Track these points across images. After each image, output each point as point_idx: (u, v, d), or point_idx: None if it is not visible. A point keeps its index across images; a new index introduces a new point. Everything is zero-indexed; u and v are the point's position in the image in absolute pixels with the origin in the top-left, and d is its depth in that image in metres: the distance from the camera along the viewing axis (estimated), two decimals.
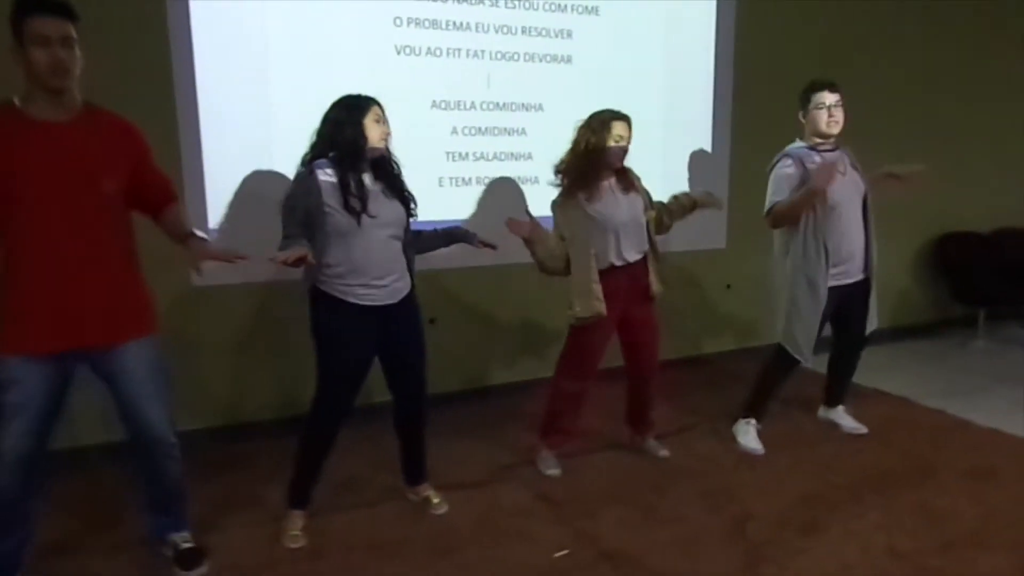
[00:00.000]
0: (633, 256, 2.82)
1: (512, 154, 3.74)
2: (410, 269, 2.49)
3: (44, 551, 2.32)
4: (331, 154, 2.31)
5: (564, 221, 2.80)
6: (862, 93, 4.55)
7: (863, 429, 3.35)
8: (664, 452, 3.13)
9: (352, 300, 2.34)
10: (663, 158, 4.09)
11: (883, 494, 2.78)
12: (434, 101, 3.55)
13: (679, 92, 4.11)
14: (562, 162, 2.83)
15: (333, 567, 2.34)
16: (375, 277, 2.34)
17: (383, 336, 2.42)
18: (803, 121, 3.03)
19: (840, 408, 3.44)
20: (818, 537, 2.49)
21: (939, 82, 4.93)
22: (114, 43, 2.84)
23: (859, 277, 3.06)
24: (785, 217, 2.91)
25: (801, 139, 3.05)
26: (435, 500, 2.70)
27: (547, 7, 3.72)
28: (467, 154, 3.65)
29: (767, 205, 2.96)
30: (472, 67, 3.60)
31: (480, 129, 3.66)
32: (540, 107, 3.77)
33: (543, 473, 2.95)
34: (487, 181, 3.68)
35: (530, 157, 3.76)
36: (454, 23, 3.53)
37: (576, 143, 2.79)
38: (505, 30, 3.64)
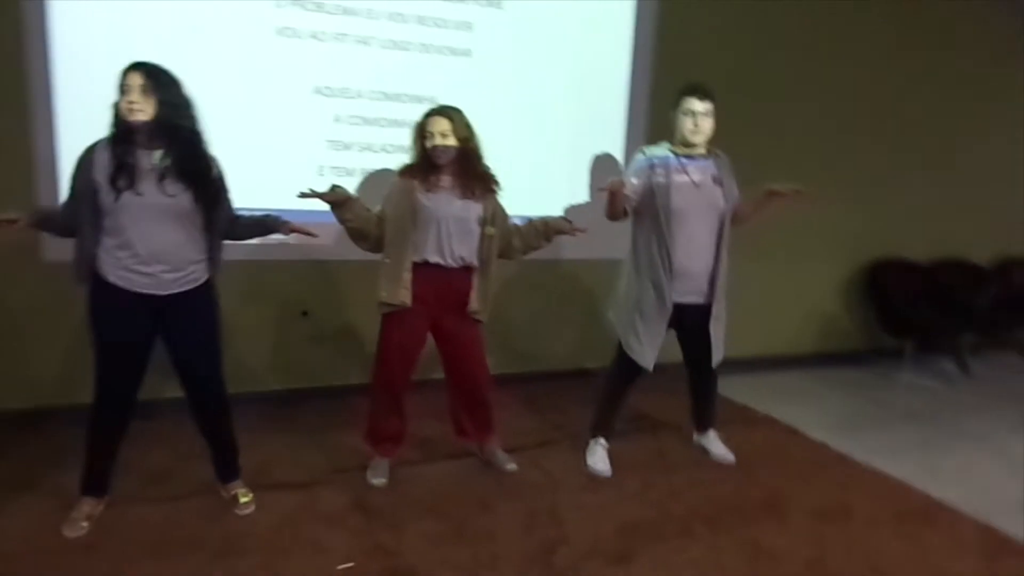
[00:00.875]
0: (450, 261, 2.70)
1: (401, 147, 3.60)
2: (211, 258, 2.37)
3: None
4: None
5: (389, 199, 2.69)
6: (793, 102, 4.42)
7: (730, 458, 3.20)
8: (511, 466, 3.00)
9: (118, 283, 2.23)
10: (571, 158, 3.96)
11: (716, 528, 2.63)
12: (316, 87, 3.43)
13: (589, 91, 3.96)
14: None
15: (102, 561, 2.23)
16: (141, 262, 2.23)
17: (160, 326, 2.32)
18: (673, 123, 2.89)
19: (711, 433, 3.28)
20: (624, 568, 2.35)
21: (884, 98, 4.74)
22: None
23: (699, 300, 2.91)
24: (614, 203, 2.78)
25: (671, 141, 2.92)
26: (243, 499, 2.58)
27: None
28: (351, 144, 3.53)
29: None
30: (360, 54, 3.48)
31: (366, 119, 3.54)
32: (433, 100, 3.62)
33: (368, 481, 2.82)
34: (372, 173, 3.56)
35: None
36: (342, 7, 3.41)
37: (413, 138, 2.68)
38: (398, 18, 3.52)
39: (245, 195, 2.91)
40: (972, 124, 5.05)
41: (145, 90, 2.14)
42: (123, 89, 2.14)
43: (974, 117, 5.05)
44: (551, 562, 2.36)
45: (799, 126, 4.48)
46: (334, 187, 2.60)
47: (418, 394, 2.92)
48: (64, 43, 3.01)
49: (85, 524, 2.39)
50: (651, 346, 2.89)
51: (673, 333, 3.00)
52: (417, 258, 2.65)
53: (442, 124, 2.63)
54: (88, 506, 2.43)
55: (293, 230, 2.54)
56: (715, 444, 3.26)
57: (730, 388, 3.90)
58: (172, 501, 2.60)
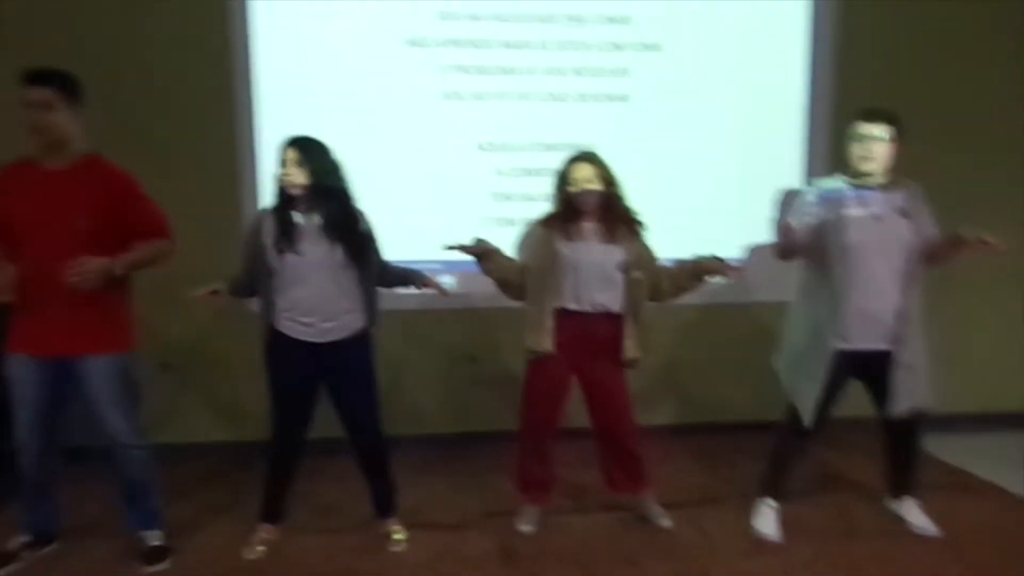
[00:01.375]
0: (588, 307, 2.64)
1: None
2: (366, 307, 2.56)
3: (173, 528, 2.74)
4: None
5: (528, 248, 2.71)
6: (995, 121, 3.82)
7: (931, 530, 2.74)
8: (665, 522, 2.83)
9: (285, 332, 2.48)
10: (740, 197, 3.75)
11: None
12: (480, 144, 3.62)
13: (758, 127, 3.75)
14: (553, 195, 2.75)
15: None
16: (301, 313, 2.46)
17: (321, 371, 2.53)
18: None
19: (909, 500, 2.84)
20: None
21: None
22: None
23: (883, 346, 2.55)
24: (780, 240, 2.56)
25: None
26: (395, 536, 2.71)
27: (601, 47, 3.63)
28: (512, 195, 3.66)
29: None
30: (520, 109, 3.62)
31: (528, 170, 3.65)
32: (593, 147, 3.66)
33: (517, 528, 2.81)
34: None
35: None
36: (502, 68, 3.59)
37: (555, 184, 2.70)
38: (556, 72, 3.62)
39: (412, 248, 3.16)
40: None
41: (298, 162, 2.41)
42: (282, 163, 2.43)
43: None
44: None
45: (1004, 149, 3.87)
46: (477, 240, 2.70)
47: (575, 442, 2.87)
48: (266, 112, 3.49)
49: (261, 548, 2.65)
50: (808, 404, 2.60)
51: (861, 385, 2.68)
52: (557, 305, 2.64)
53: (585, 170, 2.63)
54: (265, 532, 2.69)
55: (425, 284, 2.67)
56: (913, 512, 2.82)
57: (946, 449, 3.40)
58: (334, 533, 2.79)
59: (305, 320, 2.47)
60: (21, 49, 3.20)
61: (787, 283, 2.89)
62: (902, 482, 2.85)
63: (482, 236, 2.73)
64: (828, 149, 3.71)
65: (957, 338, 3.82)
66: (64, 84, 2.32)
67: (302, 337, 2.48)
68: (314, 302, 2.45)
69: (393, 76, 3.54)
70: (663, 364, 3.82)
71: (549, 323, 2.64)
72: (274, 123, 3.44)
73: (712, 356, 3.88)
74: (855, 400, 2.72)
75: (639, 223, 2.72)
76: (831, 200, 2.56)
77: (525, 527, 2.81)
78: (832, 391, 2.60)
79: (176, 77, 3.42)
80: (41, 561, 2.57)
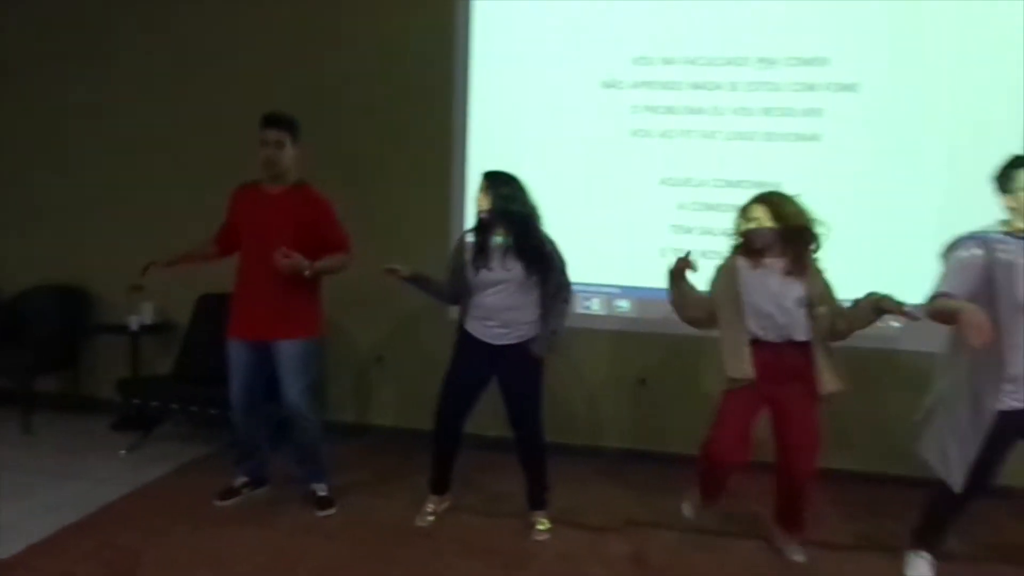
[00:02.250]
0: (773, 336, 2.72)
1: None
2: (545, 318, 2.90)
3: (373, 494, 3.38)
4: None
5: (718, 279, 2.84)
6: None
7: None
8: (799, 557, 2.83)
9: (471, 332, 2.93)
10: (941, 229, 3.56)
11: None
12: (663, 178, 3.85)
13: (963, 169, 3.52)
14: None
15: (431, 546, 2.89)
16: (483, 317, 2.89)
17: (494, 369, 2.93)
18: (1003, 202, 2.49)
19: None
20: None
21: None
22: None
23: None
24: (940, 317, 2.43)
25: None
26: (539, 527, 3.02)
27: (793, 87, 3.69)
28: (692, 228, 3.82)
29: (933, 291, 2.50)
30: (704, 147, 3.79)
31: (708, 205, 3.80)
32: (778, 185, 3.71)
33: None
34: (712, 255, 3.77)
35: None
36: (689, 108, 3.80)
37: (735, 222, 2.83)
38: (743, 112, 3.74)
39: (596, 271, 3.49)
40: None
41: (486, 189, 2.87)
42: (480, 190, 2.91)
43: None
44: None
45: None
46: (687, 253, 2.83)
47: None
48: (475, 143, 4.02)
49: (431, 517, 3.11)
50: (960, 467, 2.46)
51: None
52: (747, 335, 2.74)
53: (756, 211, 2.73)
54: (432, 503, 3.15)
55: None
56: None
57: None
58: (491, 516, 3.17)
59: (486, 324, 2.90)
60: (263, 97, 4.03)
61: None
62: None
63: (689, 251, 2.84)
64: None
65: None
66: (292, 126, 3.00)
67: (483, 338, 2.92)
68: (492, 310, 2.88)
69: (588, 114, 3.90)
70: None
71: (746, 351, 2.72)
72: (481, 155, 3.94)
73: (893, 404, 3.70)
74: None
75: (813, 261, 2.75)
76: (996, 246, 2.43)
77: (687, 510, 3.00)
78: (999, 454, 2.46)
79: (403, 114, 4.10)
80: (255, 499, 3.26)
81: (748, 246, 2.76)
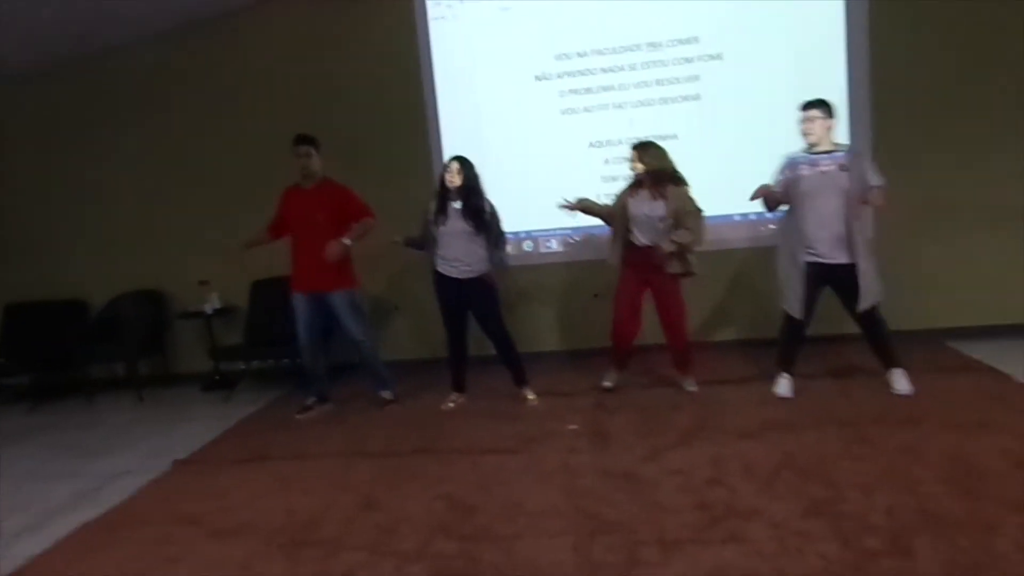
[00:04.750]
0: (641, 242, 4.04)
1: None
2: (491, 258, 4.15)
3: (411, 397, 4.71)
4: None
5: (615, 201, 4.19)
6: None
7: (905, 389, 3.80)
8: (692, 388, 4.23)
9: (440, 271, 4.20)
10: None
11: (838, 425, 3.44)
12: (590, 142, 5.12)
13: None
14: None
15: (452, 420, 4.20)
16: (450, 259, 4.15)
17: (463, 296, 4.20)
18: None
19: (895, 371, 3.88)
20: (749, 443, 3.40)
21: None
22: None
23: (841, 260, 3.67)
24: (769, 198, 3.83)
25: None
26: (529, 397, 4.35)
27: (676, 61, 4.96)
28: (617, 176, 5.09)
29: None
30: (618, 115, 5.07)
31: (626, 158, 5.05)
32: (675, 136, 4.99)
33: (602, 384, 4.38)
34: None
35: None
36: (603, 87, 5.06)
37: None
38: (642, 84, 5.01)
39: (543, 219, 4.77)
40: None
41: (459, 171, 4.11)
42: (446, 168, 4.15)
43: None
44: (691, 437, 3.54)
45: None
46: (580, 199, 4.20)
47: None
48: (444, 126, 5.27)
49: (452, 405, 4.41)
50: (795, 300, 3.80)
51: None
52: (623, 238, 4.11)
53: (634, 155, 4.06)
54: (453, 398, 4.45)
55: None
56: (898, 380, 3.86)
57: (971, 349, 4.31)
58: (495, 399, 4.45)
59: (451, 264, 4.16)
60: (291, 115, 5.25)
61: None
62: (883, 358, 3.90)
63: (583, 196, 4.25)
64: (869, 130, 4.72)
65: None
66: (315, 142, 4.27)
67: (450, 274, 4.18)
68: (456, 253, 4.13)
69: (526, 101, 5.17)
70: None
71: (619, 250, 4.12)
72: (448, 135, 5.23)
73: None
74: None
75: (677, 182, 4.06)
76: (791, 164, 3.76)
77: (606, 383, 4.34)
78: (812, 293, 3.80)
79: (381, 110, 5.35)
80: (323, 412, 4.55)
81: (638, 180, 4.06)
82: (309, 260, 4.26)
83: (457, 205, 4.13)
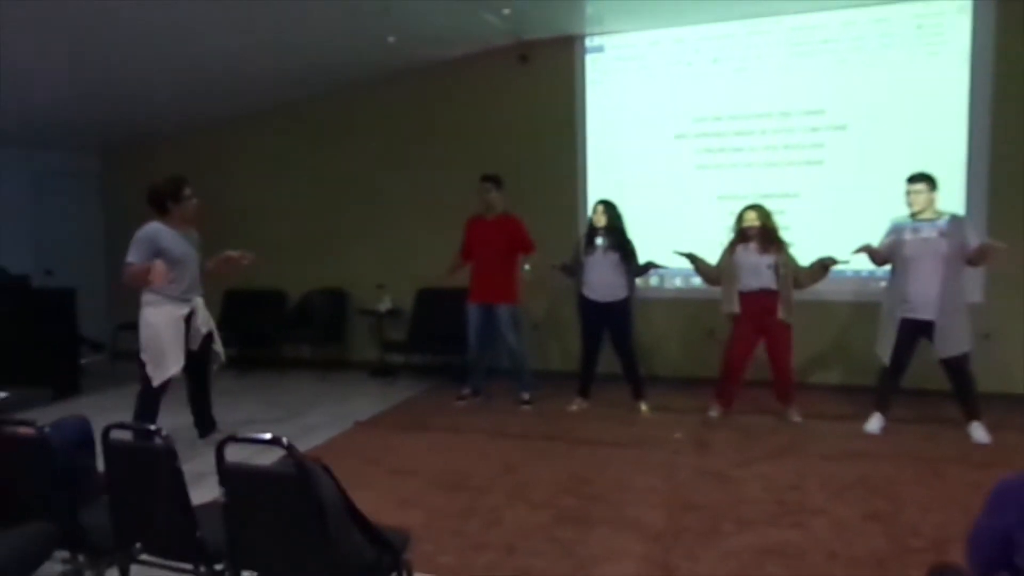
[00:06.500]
0: (751, 287, 4.67)
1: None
2: (629, 285, 4.96)
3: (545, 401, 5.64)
4: None
5: (723, 256, 4.85)
6: None
7: (983, 440, 4.21)
8: (797, 419, 4.75)
9: (586, 295, 5.02)
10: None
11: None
12: (720, 195, 5.81)
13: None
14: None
15: (578, 417, 5.00)
16: (594, 285, 4.96)
17: (603, 319, 4.99)
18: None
19: (974, 423, 4.28)
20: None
21: None
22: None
23: (931, 316, 4.15)
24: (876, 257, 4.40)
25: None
26: (643, 409, 5.07)
27: (803, 130, 5.58)
28: None
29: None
30: (746, 173, 5.74)
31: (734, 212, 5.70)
32: (798, 195, 5.59)
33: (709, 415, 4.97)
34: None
35: (787, 228, 5.60)
36: (735, 147, 5.76)
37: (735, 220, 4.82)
38: (770, 148, 5.66)
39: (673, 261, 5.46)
40: None
41: (604, 212, 4.97)
42: (594, 210, 5.01)
43: None
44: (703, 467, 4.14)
45: None
46: (689, 253, 4.92)
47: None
48: (592, 176, 6.13)
49: (575, 408, 5.21)
50: (885, 350, 4.33)
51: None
52: (741, 288, 4.75)
53: (750, 213, 4.74)
54: (578, 402, 5.25)
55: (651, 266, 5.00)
56: (976, 430, 4.27)
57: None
58: (611, 407, 5.20)
59: (596, 289, 4.97)
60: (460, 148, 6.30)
61: None
62: (965, 410, 4.32)
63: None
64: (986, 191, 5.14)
65: None
66: (497, 180, 5.24)
67: (593, 298, 5.00)
68: (600, 281, 4.95)
69: (666, 155, 5.95)
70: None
71: (736, 297, 4.76)
72: (595, 184, 6.09)
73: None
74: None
75: (783, 242, 4.69)
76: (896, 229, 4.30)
77: (712, 414, 4.95)
78: (907, 346, 4.31)
79: (541, 157, 6.29)
80: (475, 402, 5.47)
81: (743, 234, 4.73)
82: (485, 278, 5.24)
83: (600, 240, 4.97)
